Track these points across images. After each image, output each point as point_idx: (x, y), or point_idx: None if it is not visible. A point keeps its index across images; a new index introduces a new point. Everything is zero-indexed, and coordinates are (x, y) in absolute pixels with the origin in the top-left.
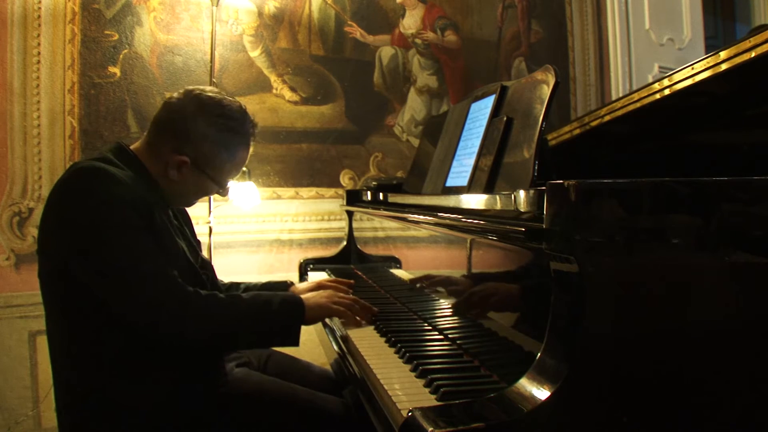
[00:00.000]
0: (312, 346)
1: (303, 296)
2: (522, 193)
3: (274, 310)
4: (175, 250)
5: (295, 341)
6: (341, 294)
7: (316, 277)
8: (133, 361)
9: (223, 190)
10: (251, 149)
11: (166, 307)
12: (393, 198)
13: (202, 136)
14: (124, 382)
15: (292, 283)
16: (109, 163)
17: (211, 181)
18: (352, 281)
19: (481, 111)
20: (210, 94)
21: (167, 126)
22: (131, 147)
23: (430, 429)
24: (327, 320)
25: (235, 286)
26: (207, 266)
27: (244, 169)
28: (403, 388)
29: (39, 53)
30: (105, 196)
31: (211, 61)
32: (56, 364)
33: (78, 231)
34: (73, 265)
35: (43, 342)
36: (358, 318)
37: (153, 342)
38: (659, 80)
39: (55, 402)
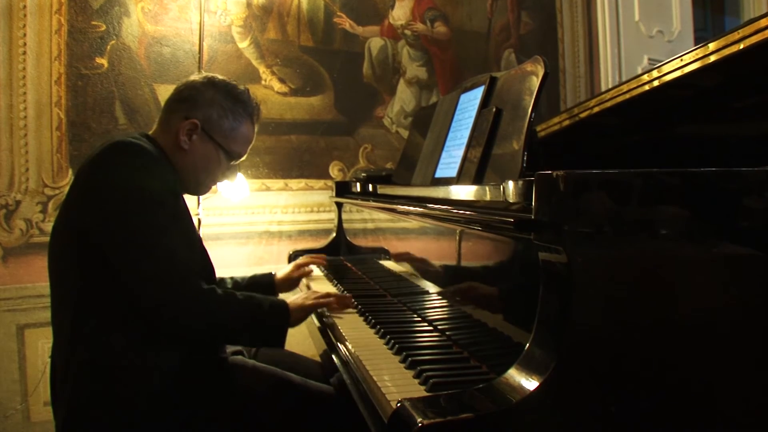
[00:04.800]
0: (301, 338)
1: (288, 300)
2: (511, 184)
3: (264, 312)
4: (192, 235)
5: (281, 343)
6: (317, 292)
7: None
8: (139, 343)
9: (231, 163)
10: (255, 133)
11: (172, 291)
12: (382, 189)
13: (210, 101)
14: (129, 364)
15: (274, 274)
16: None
17: (219, 148)
18: (323, 254)
19: (471, 102)
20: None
21: (178, 98)
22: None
23: (419, 419)
24: (318, 311)
25: (221, 281)
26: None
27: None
28: (393, 379)
29: (25, 44)
30: (139, 170)
31: (199, 52)
32: (59, 345)
33: (109, 199)
34: (96, 230)
35: (31, 336)
36: (336, 307)
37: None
38: (648, 72)
39: (51, 390)
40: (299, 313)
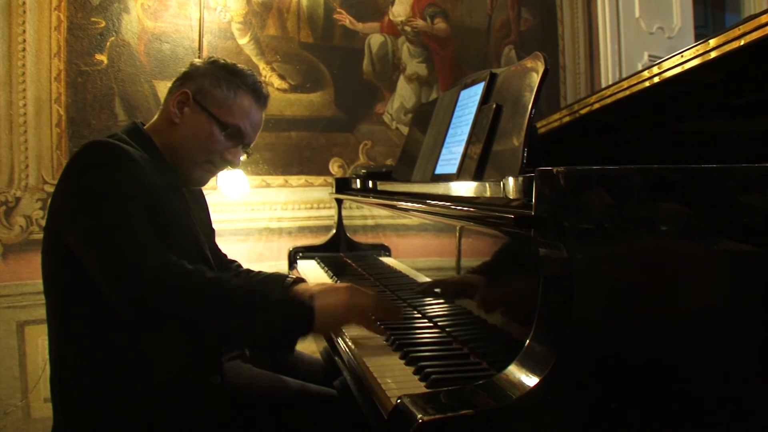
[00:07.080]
0: None
1: (316, 298)
2: (511, 181)
3: (275, 303)
4: (182, 236)
5: (290, 349)
6: (362, 292)
7: (305, 265)
8: (130, 348)
9: (225, 135)
10: (260, 114)
11: (147, 273)
12: (382, 186)
13: (203, 73)
14: (119, 371)
15: (302, 280)
16: (123, 142)
17: (212, 119)
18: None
19: (471, 98)
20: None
21: (176, 79)
22: (146, 126)
23: (419, 416)
24: None
25: (236, 268)
26: (216, 253)
27: None
28: (393, 376)
29: (24, 41)
30: (112, 169)
31: (199, 49)
32: (53, 350)
33: (80, 198)
34: (68, 228)
35: (31, 332)
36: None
37: (128, 316)
38: (648, 68)
39: (51, 388)
40: (330, 321)
